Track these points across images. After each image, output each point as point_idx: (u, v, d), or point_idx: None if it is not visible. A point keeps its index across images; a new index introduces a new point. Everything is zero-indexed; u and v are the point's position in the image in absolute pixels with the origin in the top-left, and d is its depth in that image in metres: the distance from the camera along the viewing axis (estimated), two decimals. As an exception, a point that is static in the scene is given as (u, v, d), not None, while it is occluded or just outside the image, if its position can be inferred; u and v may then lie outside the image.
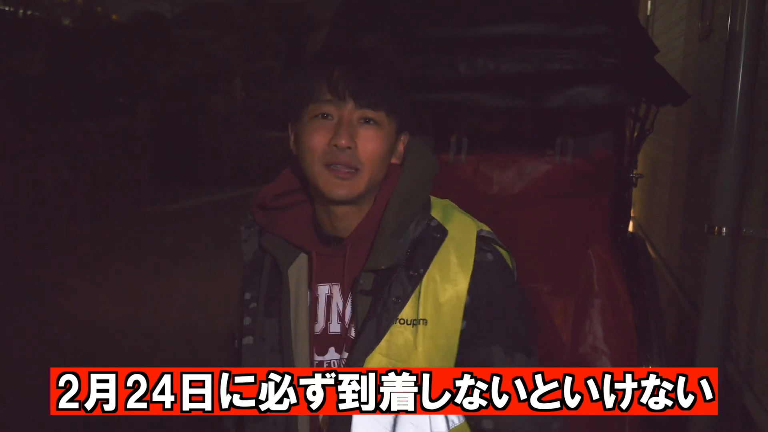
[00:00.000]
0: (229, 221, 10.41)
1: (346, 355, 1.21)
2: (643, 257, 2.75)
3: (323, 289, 1.25)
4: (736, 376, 2.67)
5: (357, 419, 1.16)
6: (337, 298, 1.24)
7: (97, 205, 10.44)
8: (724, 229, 2.43)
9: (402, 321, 1.16)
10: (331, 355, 1.24)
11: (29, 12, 12.70)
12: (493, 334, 1.19)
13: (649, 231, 5.65)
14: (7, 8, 12.56)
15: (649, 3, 6.01)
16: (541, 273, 2.51)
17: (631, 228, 3.03)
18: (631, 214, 3.01)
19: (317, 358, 1.25)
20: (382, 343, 1.16)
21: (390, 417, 1.16)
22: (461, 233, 1.22)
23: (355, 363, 1.16)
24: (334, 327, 1.24)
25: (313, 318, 1.24)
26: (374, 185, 1.22)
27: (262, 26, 18.24)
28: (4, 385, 4.00)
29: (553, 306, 2.49)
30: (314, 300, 1.25)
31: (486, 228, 1.26)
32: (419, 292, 1.17)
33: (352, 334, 1.21)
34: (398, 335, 1.16)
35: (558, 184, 2.52)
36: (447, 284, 1.18)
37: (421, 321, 1.16)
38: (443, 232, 1.20)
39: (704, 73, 3.74)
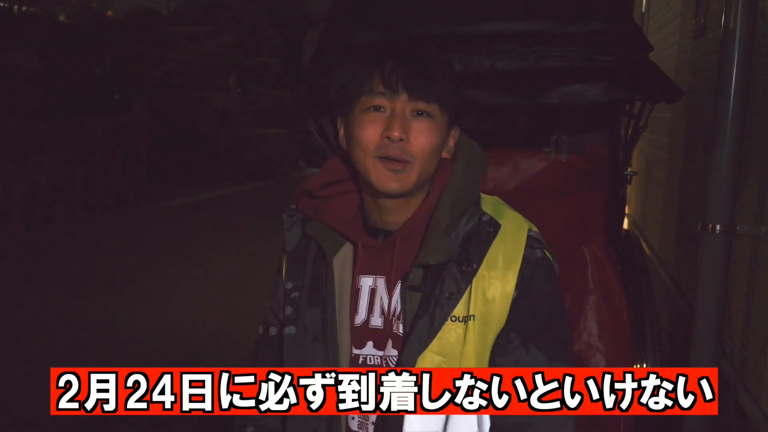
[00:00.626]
0: (226, 218, 10.47)
1: (391, 351, 1.20)
2: (638, 254, 2.76)
3: (367, 281, 1.23)
4: (731, 373, 2.69)
5: (409, 418, 1.15)
6: (382, 292, 1.22)
7: (93, 202, 10.43)
8: (718, 227, 2.44)
9: (454, 318, 1.15)
10: (369, 349, 1.23)
11: (24, 8, 12.69)
12: (537, 336, 1.17)
13: (643, 228, 5.67)
14: (2, 4, 12.54)
15: (644, 0, 6.02)
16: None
17: (625, 225, 3.04)
18: (626, 212, 3.02)
19: (354, 351, 1.23)
20: (435, 341, 1.15)
21: (442, 416, 1.16)
22: (513, 229, 1.21)
23: (408, 361, 1.15)
24: (376, 321, 1.23)
25: (353, 309, 1.23)
26: (425, 179, 1.20)
27: (258, 22, 18.22)
28: (3, 385, 4.01)
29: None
30: (355, 291, 1.23)
31: (535, 228, 1.25)
32: (470, 289, 1.16)
33: (399, 330, 1.20)
34: (450, 332, 1.15)
35: (553, 182, 2.53)
36: (496, 280, 1.17)
37: (471, 317, 1.16)
38: (496, 227, 1.19)
39: (698, 71, 3.76)
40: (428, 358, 1.14)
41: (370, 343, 1.22)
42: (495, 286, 1.17)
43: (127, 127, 11.79)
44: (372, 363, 1.23)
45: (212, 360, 4.31)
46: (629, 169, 2.67)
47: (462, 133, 1.28)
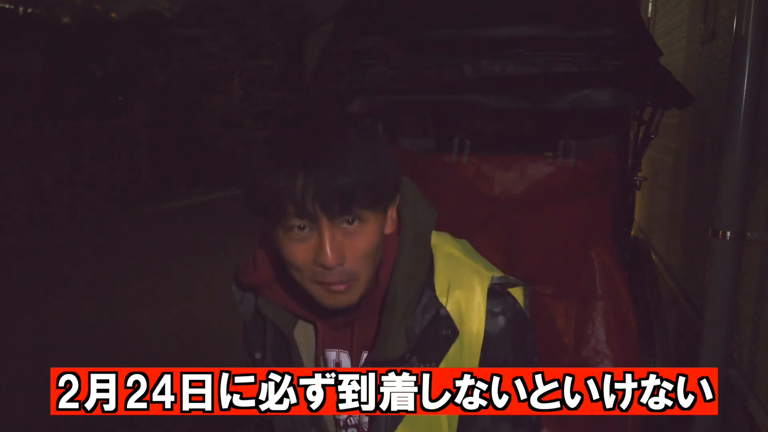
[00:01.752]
0: (226, 220, 10.45)
1: (364, 418, 1.21)
2: (646, 260, 2.73)
3: (330, 355, 1.21)
4: (740, 380, 2.66)
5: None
6: (347, 364, 1.20)
7: (95, 204, 10.41)
8: (728, 234, 2.42)
9: None
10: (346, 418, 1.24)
11: (29, 10, 12.68)
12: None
13: (650, 233, 5.64)
14: (6, 6, 12.53)
15: (650, 5, 6.00)
16: (543, 275, 2.50)
17: (633, 231, 3.01)
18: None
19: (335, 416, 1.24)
20: (405, 419, 1.15)
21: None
22: (469, 304, 1.14)
23: None
24: None
25: None
26: (373, 279, 1.12)
27: (260, 25, 18.21)
28: (3, 385, 3.98)
29: (555, 309, 2.48)
30: (320, 363, 1.21)
31: (497, 274, 1.17)
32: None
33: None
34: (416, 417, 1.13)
35: (560, 186, 2.51)
36: (460, 361, 1.14)
37: None
38: (454, 331, 1.13)
39: (706, 76, 3.73)
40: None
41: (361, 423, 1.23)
42: (460, 364, 1.14)
43: (129, 129, 11.77)
44: (352, 423, 1.25)
45: (214, 362, 4.27)
46: (638, 175, 2.64)
47: (404, 185, 1.15)
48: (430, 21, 2.28)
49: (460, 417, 1.15)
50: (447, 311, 1.14)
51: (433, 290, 1.15)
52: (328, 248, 1.03)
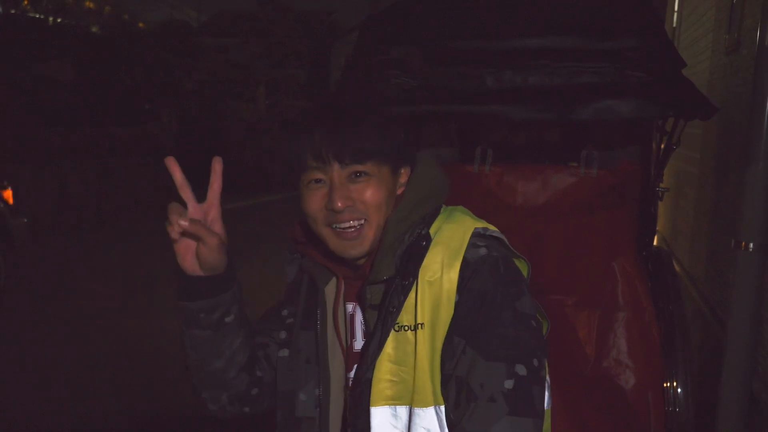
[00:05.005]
0: (252, 228, 10.53)
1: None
2: (669, 270, 2.73)
3: (348, 308, 1.28)
4: (764, 392, 2.64)
5: (374, 412, 1.20)
6: (359, 316, 1.26)
7: (122, 211, 10.57)
8: (751, 245, 2.41)
9: (404, 328, 1.17)
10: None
11: (59, 19, 12.93)
12: (473, 336, 1.13)
13: (673, 244, 5.60)
14: (37, 15, 12.79)
15: (675, 15, 5.98)
16: (565, 285, 2.51)
17: (656, 242, 3.01)
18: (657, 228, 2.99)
19: (347, 374, 1.28)
20: (389, 350, 1.17)
21: (405, 421, 1.20)
22: (453, 233, 1.20)
23: (365, 371, 1.20)
24: (358, 344, 1.27)
25: (339, 333, 1.28)
26: (381, 229, 1.23)
27: (287, 34, 18.38)
28: (29, 388, 4.06)
29: (577, 319, 2.48)
30: (336, 316, 1.28)
31: (491, 227, 1.23)
32: (415, 299, 1.17)
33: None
34: (402, 341, 1.17)
35: (583, 197, 2.51)
36: (438, 287, 1.17)
37: (420, 325, 1.16)
38: (428, 239, 1.20)
39: (731, 87, 3.72)
40: (384, 367, 1.18)
41: (356, 366, 1.26)
42: (440, 292, 1.16)
43: (157, 136, 11.94)
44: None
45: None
46: (660, 185, 2.64)
47: (422, 155, 1.30)
48: (454, 32, 2.31)
49: (442, 353, 1.16)
50: (427, 231, 1.22)
51: (427, 227, 1.23)
52: (336, 192, 1.18)
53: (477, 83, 2.24)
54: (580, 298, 2.49)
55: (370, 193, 1.20)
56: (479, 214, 2.69)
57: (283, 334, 1.34)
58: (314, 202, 1.21)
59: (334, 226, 1.20)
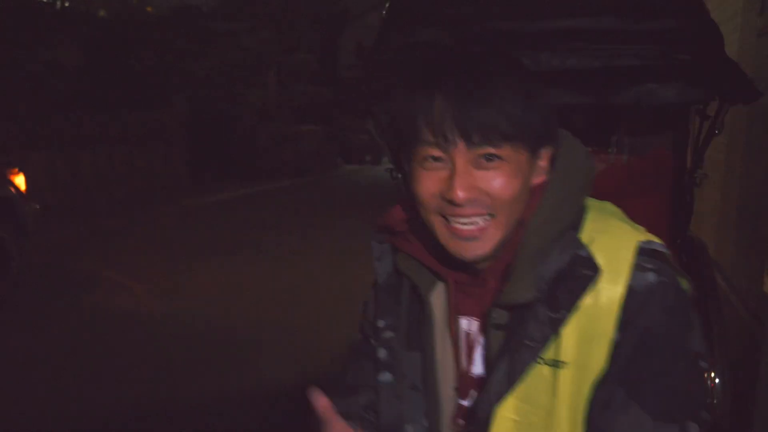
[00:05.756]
0: (264, 215, 10.50)
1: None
2: (704, 261, 2.63)
3: (464, 324, 1.04)
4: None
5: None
6: (478, 335, 1.03)
7: (134, 197, 10.53)
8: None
9: (541, 361, 0.94)
10: (473, 399, 1.05)
11: (66, 4, 12.84)
12: (637, 387, 0.91)
13: (698, 231, 5.50)
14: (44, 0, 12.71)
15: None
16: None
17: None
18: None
19: (459, 401, 1.05)
20: (519, 385, 0.95)
21: None
22: (612, 250, 0.95)
23: (484, 408, 0.97)
24: (478, 369, 1.03)
25: (455, 355, 1.04)
26: (513, 228, 0.97)
27: (296, 19, 18.24)
28: (40, 376, 4.02)
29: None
30: (453, 334, 1.04)
31: (655, 239, 0.98)
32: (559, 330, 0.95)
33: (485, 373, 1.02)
34: (537, 377, 0.95)
35: (613, 184, 2.42)
36: (591, 318, 0.93)
37: (562, 363, 0.94)
38: (594, 270, 0.93)
39: (763, 71, 3.60)
40: (511, 405, 0.96)
41: (473, 392, 1.03)
42: (594, 326, 0.93)
43: (168, 122, 11.88)
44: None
45: (252, 352, 4.29)
46: (699, 171, 2.53)
47: (562, 135, 1.03)
48: (487, 13, 2.21)
49: (592, 400, 0.94)
50: (589, 252, 0.95)
51: (577, 233, 0.98)
52: (458, 179, 0.92)
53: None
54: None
55: (501, 183, 0.93)
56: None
57: (382, 353, 1.09)
58: (428, 185, 0.95)
59: (449, 218, 0.95)
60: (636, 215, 2.41)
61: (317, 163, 16.82)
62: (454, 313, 1.03)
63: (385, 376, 1.09)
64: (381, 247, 1.12)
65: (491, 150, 0.92)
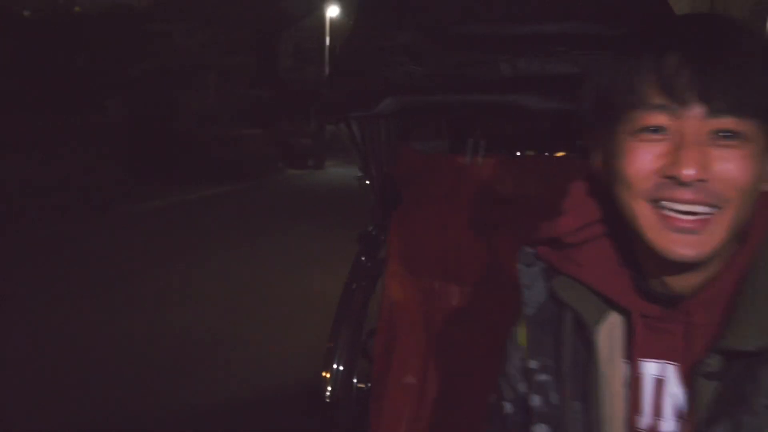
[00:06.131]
0: (207, 220, 10.23)
1: None
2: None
3: (650, 368, 0.83)
4: None
5: None
6: (673, 385, 0.82)
7: (68, 205, 10.08)
8: None
9: None
10: None
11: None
12: None
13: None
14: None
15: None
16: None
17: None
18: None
19: None
20: None
21: None
22: None
23: None
24: (669, 426, 0.82)
25: (634, 407, 0.83)
26: (738, 231, 0.79)
27: (235, 21, 17.94)
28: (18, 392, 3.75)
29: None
30: (635, 381, 0.83)
31: None
32: None
33: None
34: None
35: None
36: None
37: None
38: None
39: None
40: None
41: None
42: None
43: (104, 126, 11.48)
44: None
45: (202, 371, 4.11)
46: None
47: None
48: (464, 16, 2.13)
49: None
50: None
51: None
52: (690, 151, 0.74)
53: (491, 71, 2.07)
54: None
55: (738, 167, 0.75)
56: (474, 208, 2.53)
57: (536, 400, 0.90)
58: (644, 160, 0.77)
59: (663, 204, 0.77)
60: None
61: (259, 167, 16.55)
62: (637, 354, 0.83)
63: (541, 429, 0.90)
64: (530, 272, 0.92)
65: (732, 124, 0.75)
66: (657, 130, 0.78)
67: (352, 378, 2.32)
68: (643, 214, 0.79)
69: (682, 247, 0.77)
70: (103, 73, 12.45)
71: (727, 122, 0.75)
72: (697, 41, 0.77)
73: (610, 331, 0.85)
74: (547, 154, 2.55)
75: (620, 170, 0.80)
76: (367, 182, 2.25)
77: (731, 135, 0.76)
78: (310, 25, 26.85)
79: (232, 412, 3.63)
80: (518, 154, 2.53)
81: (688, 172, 0.75)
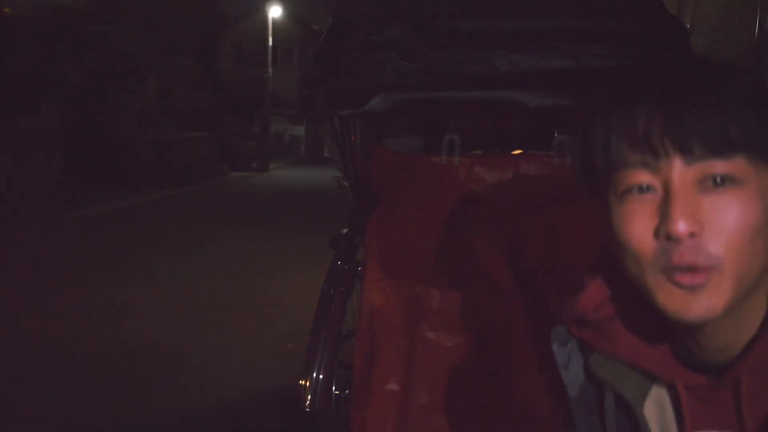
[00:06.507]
0: (151, 226, 9.96)
1: None
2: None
3: None
4: None
5: None
6: None
7: (4, 212, 9.66)
8: None
9: None
10: None
11: None
12: None
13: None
14: None
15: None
16: (551, 289, 2.33)
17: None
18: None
19: None
20: None
21: None
22: None
23: None
24: None
25: None
26: (750, 283, 0.72)
27: (174, 23, 17.58)
28: None
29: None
30: None
31: None
32: None
33: None
34: None
35: (558, 188, 2.35)
36: None
37: None
38: None
39: None
40: None
41: None
42: None
43: (39, 131, 11.04)
44: None
45: (153, 384, 3.95)
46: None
47: None
48: (456, 10, 2.08)
49: None
50: None
51: None
52: (676, 205, 0.69)
53: (485, 67, 2.02)
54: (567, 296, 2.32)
55: (733, 217, 0.69)
56: (451, 208, 2.48)
57: None
58: (636, 224, 0.72)
59: (669, 270, 0.71)
60: (594, 222, 2.36)
61: (202, 170, 16.23)
62: (689, 428, 0.77)
63: None
64: (564, 351, 0.86)
65: (720, 167, 0.69)
66: (643, 189, 0.73)
67: (332, 386, 2.26)
68: (654, 283, 0.73)
69: (691, 306, 0.71)
70: (38, 75, 11.99)
71: (713, 166, 0.70)
72: (666, 87, 0.73)
73: (657, 406, 0.80)
74: (521, 151, 2.51)
75: (617, 236, 0.75)
76: (346, 184, 2.18)
77: (721, 179, 0.70)
78: (251, 27, 26.52)
79: (203, 422, 3.51)
80: (495, 152, 2.49)
81: (679, 227, 0.69)
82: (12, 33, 11.95)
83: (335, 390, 2.31)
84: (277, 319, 5.28)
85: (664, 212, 0.71)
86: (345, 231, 2.47)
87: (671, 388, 0.79)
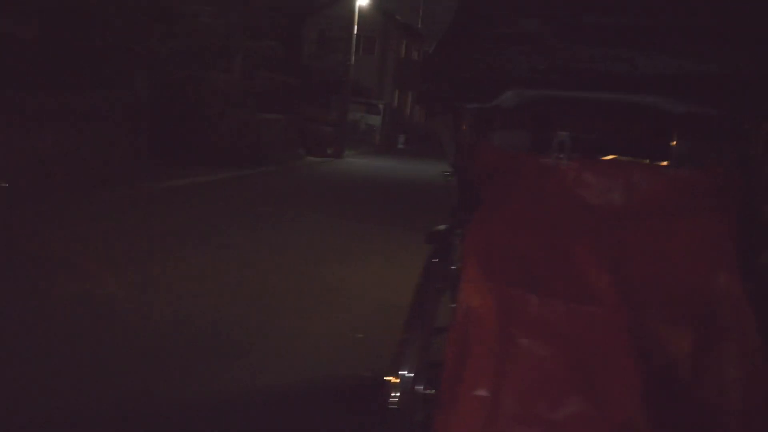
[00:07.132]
0: (227, 203, 10.14)
1: None
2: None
3: None
4: None
5: None
6: None
7: (93, 179, 9.98)
8: None
9: None
10: None
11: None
12: None
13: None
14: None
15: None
16: (654, 300, 2.21)
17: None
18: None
19: None
20: None
21: None
22: None
23: None
24: None
25: None
26: None
27: (261, 5, 17.78)
28: (17, 373, 3.63)
29: (669, 339, 2.18)
30: None
31: None
32: None
33: None
34: None
35: (673, 200, 2.21)
36: None
37: None
38: None
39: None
40: None
41: None
42: None
43: (129, 103, 11.36)
44: None
45: (229, 353, 3.98)
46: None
47: None
48: (594, 4, 1.96)
49: None
50: None
51: None
52: None
53: (627, 67, 1.90)
54: (672, 315, 2.19)
55: None
56: (555, 213, 2.37)
57: None
58: None
59: None
60: (704, 235, 2.21)
61: (279, 152, 16.43)
62: None
63: None
64: None
65: None
66: None
67: (420, 385, 2.20)
68: None
69: None
70: (132, 50, 12.32)
71: None
72: None
73: None
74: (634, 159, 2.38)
75: None
76: (452, 178, 2.10)
77: None
78: (336, 14, 26.67)
79: (267, 404, 3.51)
80: (606, 157, 2.36)
81: None
82: (111, 6, 12.30)
83: (423, 388, 2.24)
84: (346, 308, 5.26)
85: None
86: (442, 227, 2.39)
87: None
